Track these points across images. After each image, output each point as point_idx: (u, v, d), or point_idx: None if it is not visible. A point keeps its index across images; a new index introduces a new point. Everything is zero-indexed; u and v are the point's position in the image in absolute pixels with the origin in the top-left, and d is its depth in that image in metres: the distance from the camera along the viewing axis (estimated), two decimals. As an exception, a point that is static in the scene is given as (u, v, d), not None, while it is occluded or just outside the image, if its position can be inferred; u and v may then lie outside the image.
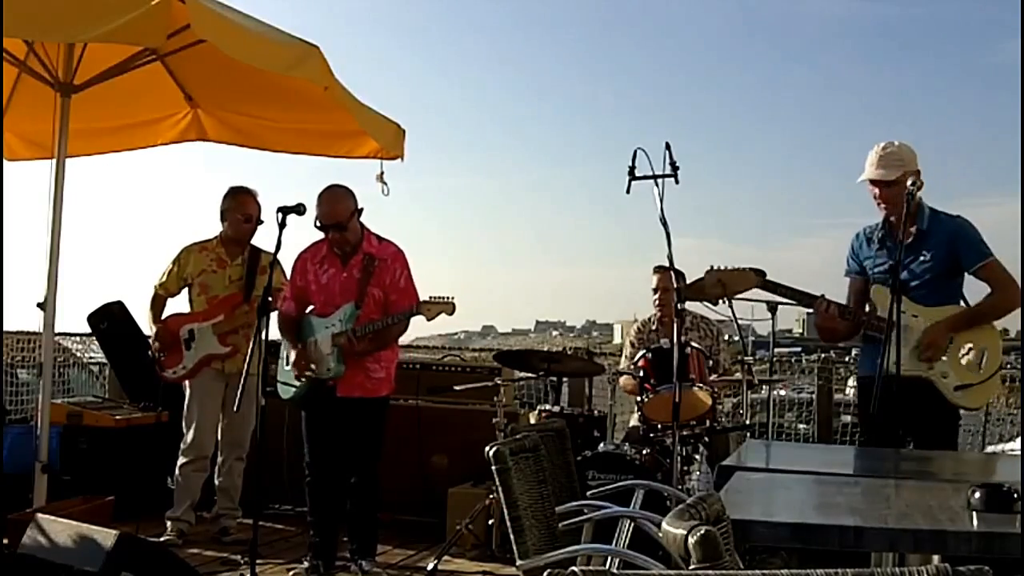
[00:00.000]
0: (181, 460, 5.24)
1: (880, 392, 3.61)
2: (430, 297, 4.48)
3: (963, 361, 3.90)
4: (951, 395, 3.90)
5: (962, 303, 4.06)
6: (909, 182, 3.85)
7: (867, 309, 4.10)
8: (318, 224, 4.42)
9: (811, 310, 4.11)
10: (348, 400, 4.48)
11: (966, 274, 4.03)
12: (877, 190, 4.03)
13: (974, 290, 4.04)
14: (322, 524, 4.56)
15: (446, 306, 4.46)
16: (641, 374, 4.82)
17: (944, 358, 3.90)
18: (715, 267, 4.00)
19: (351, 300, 4.46)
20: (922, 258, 3.97)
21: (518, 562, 2.89)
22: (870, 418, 3.87)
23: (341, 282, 4.52)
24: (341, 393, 4.48)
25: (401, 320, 4.50)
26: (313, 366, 4.48)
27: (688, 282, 4.04)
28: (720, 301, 4.16)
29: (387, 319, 4.47)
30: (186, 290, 5.35)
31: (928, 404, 3.87)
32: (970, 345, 3.90)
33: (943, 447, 3.87)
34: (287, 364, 4.56)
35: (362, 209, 4.53)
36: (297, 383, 4.52)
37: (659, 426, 4.82)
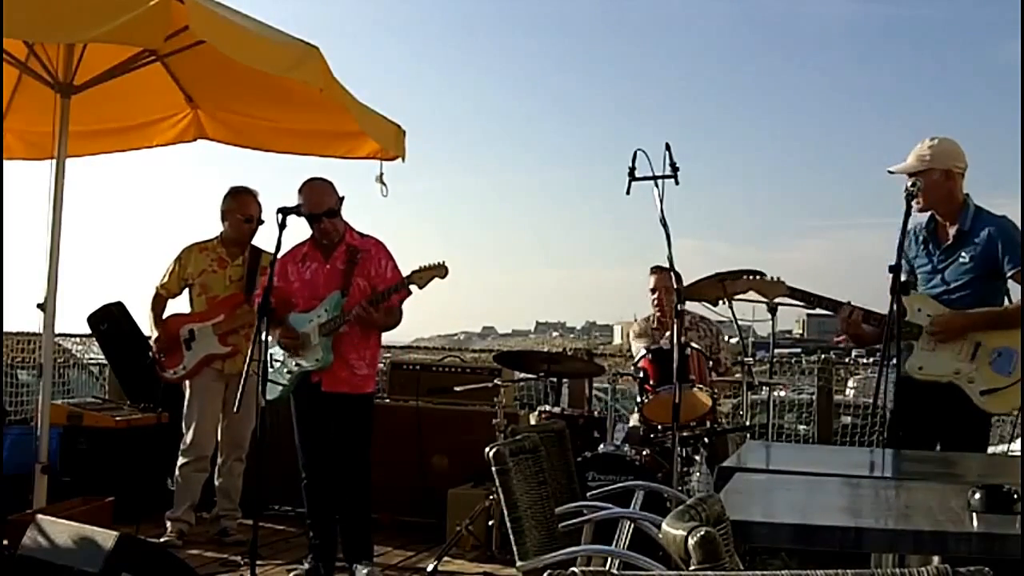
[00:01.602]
0: (181, 461, 5.24)
1: (914, 393, 3.59)
2: (419, 266, 4.41)
3: (992, 366, 3.77)
4: (978, 400, 3.78)
5: (1007, 304, 3.92)
6: (910, 183, 3.83)
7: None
8: (307, 213, 4.36)
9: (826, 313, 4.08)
10: (335, 396, 4.46)
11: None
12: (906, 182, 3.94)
13: None
14: (321, 525, 4.56)
15: (438, 270, 4.37)
16: (641, 375, 4.82)
17: (971, 362, 3.79)
18: (748, 276, 3.97)
19: (335, 290, 4.45)
20: (960, 259, 3.87)
21: (518, 563, 2.90)
22: (898, 418, 3.79)
23: (325, 274, 4.52)
24: (327, 388, 4.47)
25: (392, 293, 4.41)
26: (301, 357, 4.47)
27: (724, 275, 4.02)
28: (720, 302, 4.16)
29: (380, 293, 4.40)
30: (186, 290, 5.35)
31: (957, 408, 3.79)
32: (1000, 349, 3.78)
33: (973, 452, 3.77)
34: (272, 362, 4.53)
35: (343, 198, 4.52)
36: (284, 382, 4.50)
37: (659, 427, 4.82)
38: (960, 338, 3.82)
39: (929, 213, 4.00)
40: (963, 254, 3.87)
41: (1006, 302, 3.92)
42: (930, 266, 3.98)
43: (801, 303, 4.06)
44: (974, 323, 3.81)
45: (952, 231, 3.93)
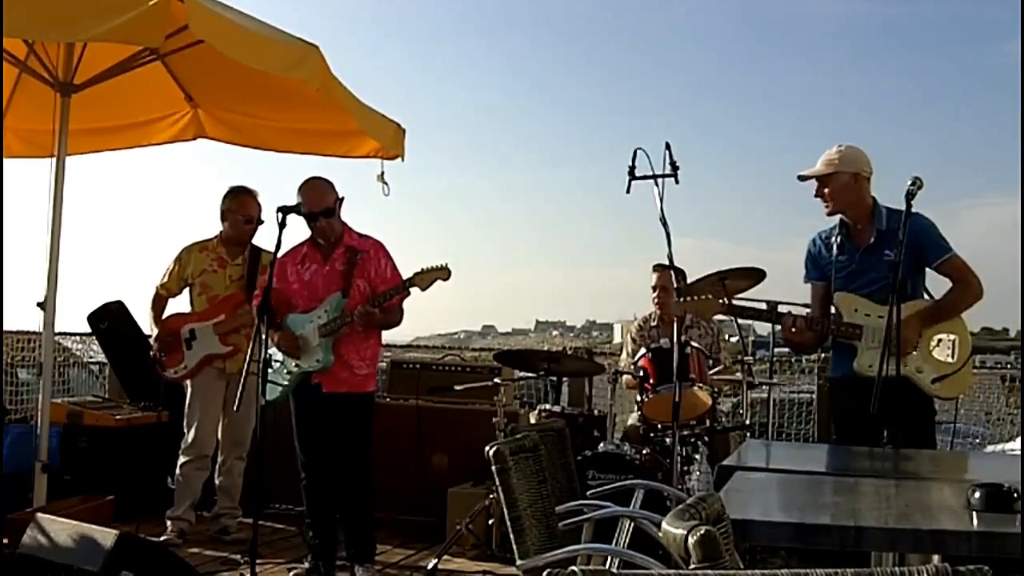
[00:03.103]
0: (182, 459, 5.24)
1: (862, 392, 3.61)
2: (422, 268, 4.38)
3: (935, 353, 3.89)
4: (929, 388, 3.89)
5: (925, 297, 4.06)
6: (909, 182, 3.83)
7: (833, 314, 4.10)
8: (305, 211, 4.36)
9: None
10: (335, 396, 4.45)
11: (928, 269, 4.03)
12: (815, 187, 4.05)
13: (935, 284, 4.08)
14: (321, 525, 4.56)
15: (441, 272, 4.34)
16: (641, 374, 4.82)
17: (916, 352, 3.88)
18: (680, 299, 4.03)
19: (335, 291, 4.44)
20: (885, 257, 3.93)
21: (518, 562, 2.90)
22: (845, 417, 3.99)
23: (324, 275, 4.50)
24: (327, 389, 4.46)
25: (393, 295, 4.40)
26: (301, 359, 4.47)
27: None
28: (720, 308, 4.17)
29: (382, 294, 4.39)
30: (187, 290, 5.35)
31: (904, 401, 3.81)
32: (940, 337, 3.90)
33: (921, 443, 3.85)
34: (272, 363, 4.51)
35: (343, 199, 4.51)
36: (283, 383, 4.50)
37: (659, 426, 4.82)
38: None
39: (839, 218, 4.10)
40: (886, 252, 3.94)
41: (924, 295, 4.06)
42: (854, 266, 4.05)
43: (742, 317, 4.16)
44: (919, 323, 3.90)
45: (871, 232, 4.02)
